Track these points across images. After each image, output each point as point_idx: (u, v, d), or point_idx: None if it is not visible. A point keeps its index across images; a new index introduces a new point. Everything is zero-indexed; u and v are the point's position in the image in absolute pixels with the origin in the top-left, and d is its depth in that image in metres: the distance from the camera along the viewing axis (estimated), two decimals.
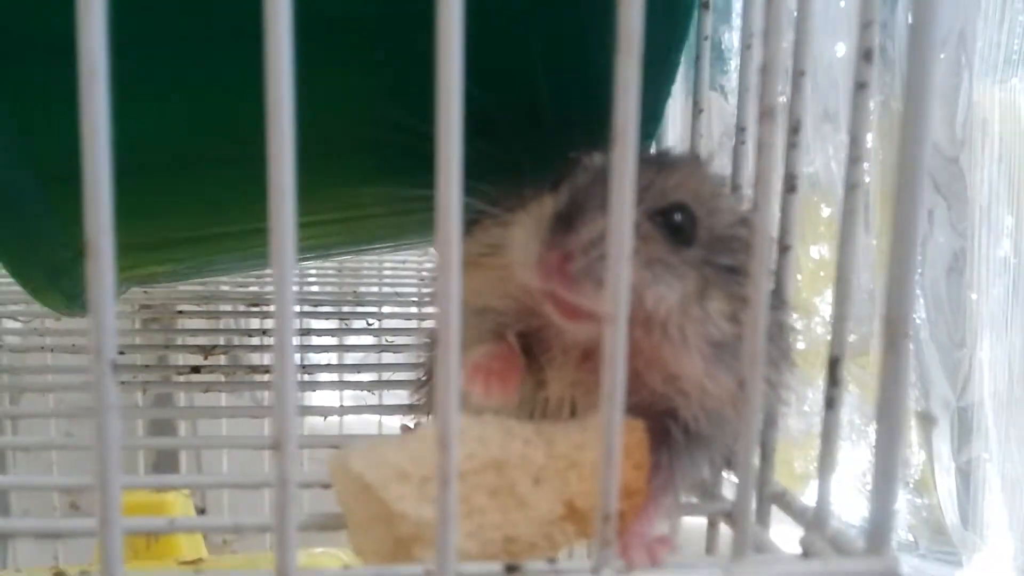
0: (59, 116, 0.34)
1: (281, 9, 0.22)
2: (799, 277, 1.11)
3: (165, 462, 0.91)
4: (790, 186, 0.35)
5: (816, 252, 1.05)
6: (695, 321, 0.32)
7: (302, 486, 0.35)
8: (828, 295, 1.05)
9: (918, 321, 0.96)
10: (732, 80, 1.01)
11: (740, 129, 0.40)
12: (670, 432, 0.34)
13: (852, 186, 0.30)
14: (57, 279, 0.42)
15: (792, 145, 0.34)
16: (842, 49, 0.94)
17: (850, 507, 1.09)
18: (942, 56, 0.86)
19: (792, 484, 1.13)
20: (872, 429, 0.96)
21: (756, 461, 0.37)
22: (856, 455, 1.08)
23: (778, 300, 0.35)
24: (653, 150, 0.45)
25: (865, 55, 0.29)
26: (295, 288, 0.74)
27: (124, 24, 0.22)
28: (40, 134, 0.34)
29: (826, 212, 1.01)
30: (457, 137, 0.23)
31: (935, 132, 0.89)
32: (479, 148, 0.25)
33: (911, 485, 1.04)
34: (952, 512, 0.99)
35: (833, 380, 0.31)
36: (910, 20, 0.26)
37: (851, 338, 1.02)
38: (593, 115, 0.26)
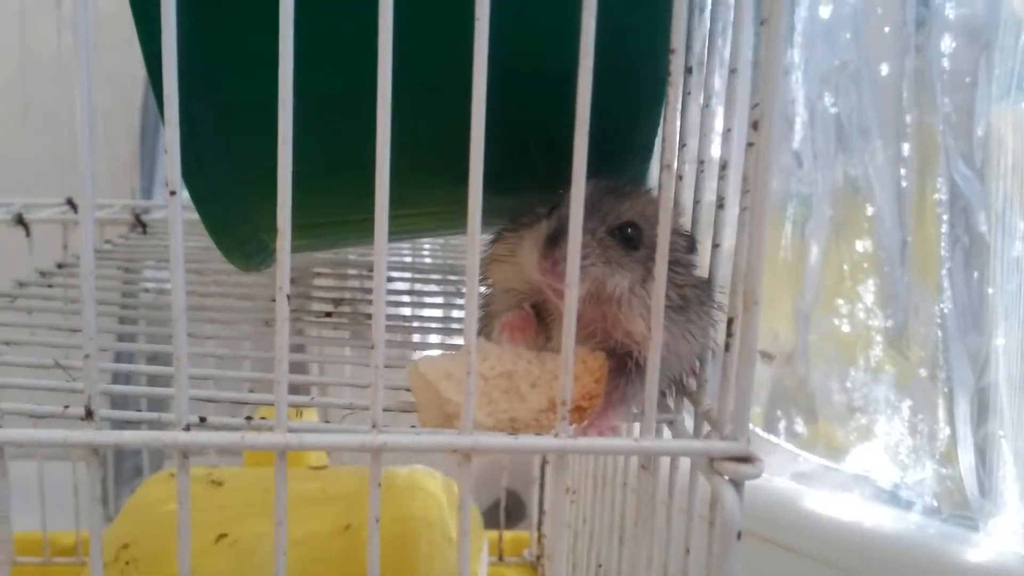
0: (255, 135, 0.46)
1: (386, 81, 0.37)
2: (845, 267, 1.22)
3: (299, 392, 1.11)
4: (720, 204, 0.49)
5: (861, 246, 1.16)
6: (639, 298, 0.47)
7: (394, 387, 0.53)
8: (871, 284, 1.17)
9: (945, 311, 1.08)
10: None
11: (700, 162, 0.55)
12: (627, 365, 0.48)
13: (743, 209, 0.42)
14: (241, 244, 0.58)
15: (721, 178, 0.50)
16: (885, 69, 1.06)
17: (886, 473, 1.20)
18: (967, 80, 0.98)
19: (834, 454, 1.25)
20: (905, 405, 1.09)
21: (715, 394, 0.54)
22: (890, 428, 1.19)
23: (707, 283, 0.50)
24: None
25: (754, 125, 0.44)
26: (409, 259, 0.94)
27: (297, 85, 0.36)
28: (241, 146, 0.50)
29: (869, 211, 1.13)
30: (479, 166, 0.38)
31: (962, 145, 1.00)
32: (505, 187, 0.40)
33: (937, 457, 1.15)
34: (971, 482, 1.10)
35: (729, 332, 0.43)
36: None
37: (888, 323, 1.14)
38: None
